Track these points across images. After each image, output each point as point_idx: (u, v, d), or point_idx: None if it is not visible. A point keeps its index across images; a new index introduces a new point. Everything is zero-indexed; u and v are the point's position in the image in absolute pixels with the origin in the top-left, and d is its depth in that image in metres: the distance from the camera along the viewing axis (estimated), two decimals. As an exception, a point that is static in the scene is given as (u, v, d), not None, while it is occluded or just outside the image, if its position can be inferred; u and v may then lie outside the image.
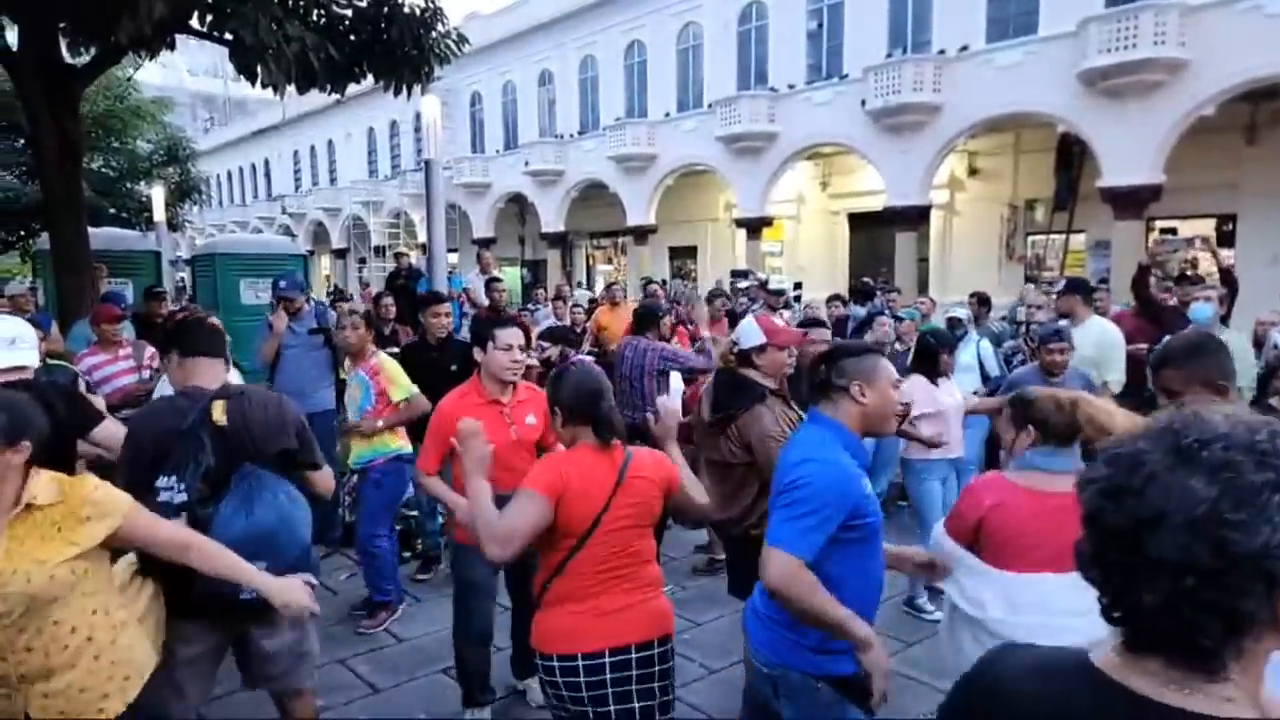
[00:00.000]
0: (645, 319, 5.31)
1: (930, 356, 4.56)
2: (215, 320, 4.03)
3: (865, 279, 9.55)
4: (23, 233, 15.19)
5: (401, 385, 4.38)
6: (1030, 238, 18.83)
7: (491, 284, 7.92)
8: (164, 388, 3.74)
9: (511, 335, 3.19)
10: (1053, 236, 17.73)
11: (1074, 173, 16.68)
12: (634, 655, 2.20)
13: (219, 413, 2.45)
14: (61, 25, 6.97)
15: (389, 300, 7.41)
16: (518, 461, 2.97)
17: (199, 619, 2.44)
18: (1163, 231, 15.49)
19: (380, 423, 4.33)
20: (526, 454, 3.14)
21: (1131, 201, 14.75)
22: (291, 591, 2.28)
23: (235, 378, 4.55)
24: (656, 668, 2.25)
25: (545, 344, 6.78)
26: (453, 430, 2.41)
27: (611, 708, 2.16)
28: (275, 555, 2.40)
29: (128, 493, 2.20)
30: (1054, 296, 6.28)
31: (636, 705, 2.19)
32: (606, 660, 2.16)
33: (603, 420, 2.26)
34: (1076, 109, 15.10)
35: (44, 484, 1.91)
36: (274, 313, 5.62)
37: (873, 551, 2.13)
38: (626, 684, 2.18)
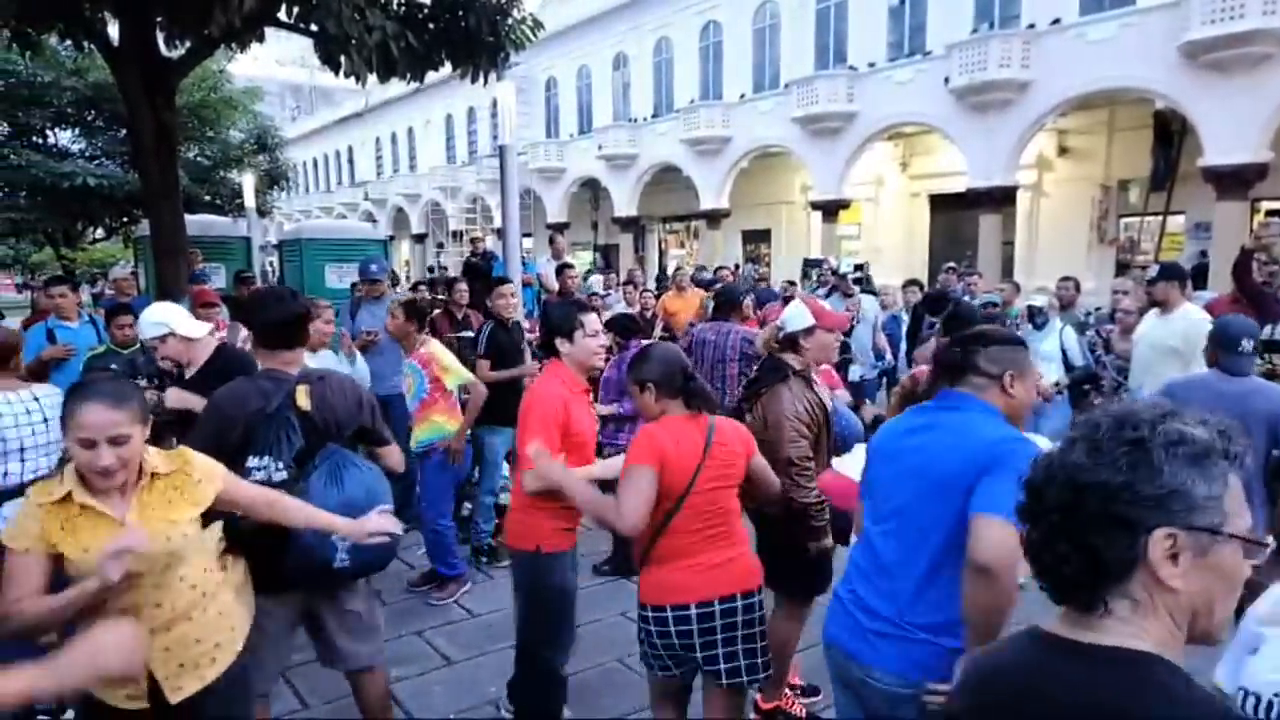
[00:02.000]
0: (726, 302, 5.19)
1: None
2: (321, 307, 4.27)
3: (946, 271, 8.86)
4: (125, 219, 16.06)
5: (455, 373, 4.40)
6: (1123, 220, 17.96)
7: (562, 270, 8.00)
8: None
9: (597, 321, 3.19)
10: (1148, 219, 16.86)
11: (1173, 151, 15.79)
12: (739, 603, 2.46)
13: (303, 398, 2.60)
14: (158, 20, 7.29)
15: (463, 286, 7.57)
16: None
17: (284, 592, 2.58)
18: (1269, 213, 14.52)
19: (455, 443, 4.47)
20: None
21: (1236, 181, 13.89)
22: (368, 523, 2.40)
23: (329, 359, 4.76)
24: (756, 614, 2.51)
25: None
26: (557, 415, 2.86)
27: (718, 650, 2.45)
28: None
29: None
30: (1143, 283, 5.96)
31: (740, 648, 2.47)
32: (716, 608, 2.43)
33: (694, 392, 2.53)
34: (1176, 84, 14.28)
35: (156, 455, 2.08)
36: (357, 294, 5.81)
37: None
38: (732, 630, 2.46)
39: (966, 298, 6.52)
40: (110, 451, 1.86)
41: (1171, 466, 0.93)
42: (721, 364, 4.87)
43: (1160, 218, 16.31)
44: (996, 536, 1.75)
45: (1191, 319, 4.78)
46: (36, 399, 3.07)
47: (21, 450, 3.03)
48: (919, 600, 1.96)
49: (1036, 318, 5.86)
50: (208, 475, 2.14)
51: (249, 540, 2.38)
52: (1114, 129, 17.66)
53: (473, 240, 11.21)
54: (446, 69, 8.09)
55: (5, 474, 3.12)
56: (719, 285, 7.52)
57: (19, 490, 3.00)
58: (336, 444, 2.67)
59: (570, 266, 8.26)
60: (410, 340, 4.51)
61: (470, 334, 5.81)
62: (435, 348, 4.49)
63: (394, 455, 2.95)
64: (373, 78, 7.40)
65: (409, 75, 7.71)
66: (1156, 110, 15.67)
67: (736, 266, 11.18)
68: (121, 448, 1.88)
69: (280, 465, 2.51)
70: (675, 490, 2.41)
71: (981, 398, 2.01)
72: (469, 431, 4.60)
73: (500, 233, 7.45)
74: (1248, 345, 3.46)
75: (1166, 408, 0.99)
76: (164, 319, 3.44)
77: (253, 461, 2.51)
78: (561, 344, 3.03)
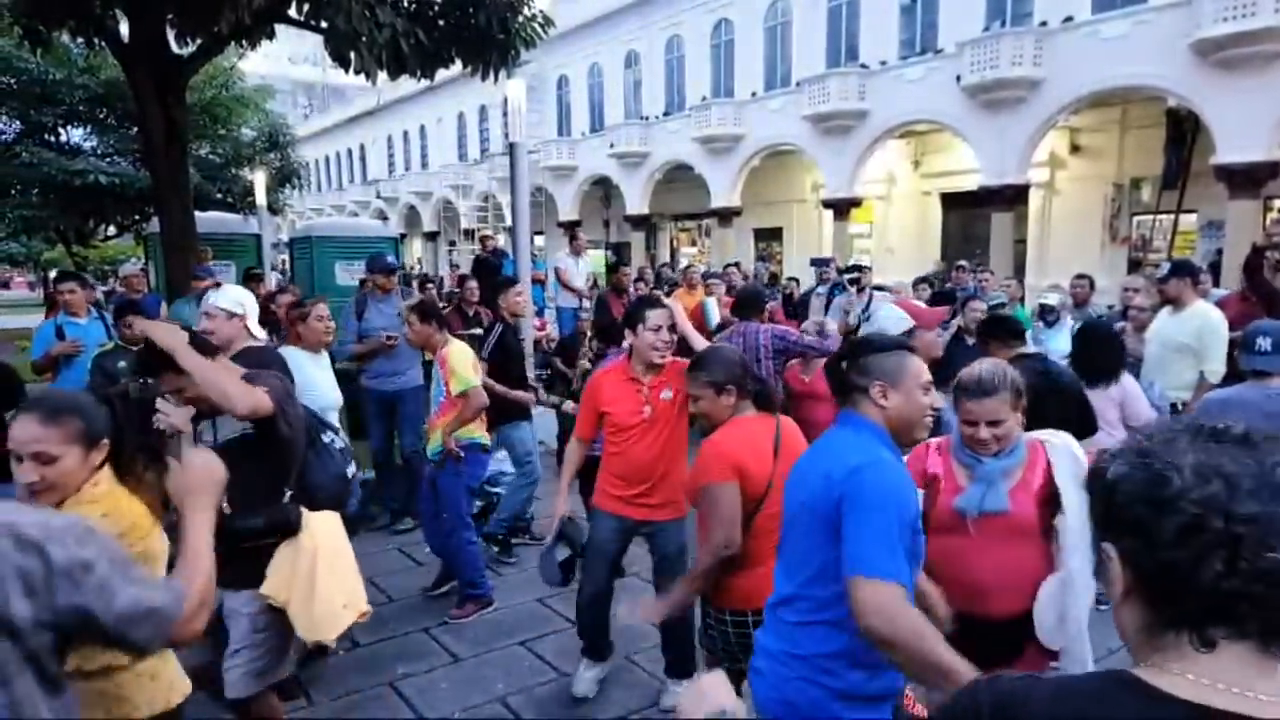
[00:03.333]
0: (748, 302, 5.05)
1: (1087, 360, 4.07)
2: (319, 308, 4.25)
3: (957, 269, 8.85)
4: (136, 217, 16.14)
5: (460, 378, 4.19)
6: (1136, 218, 17.82)
7: (617, 267, 8.11)
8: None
9: (661, 317, 3.24)
10: (1160, 217, 16.72)
11: (1185, 149, 15.67)
12: None
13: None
14: (169, 17, 7.31)
15: (473, 284, 7.57)
16: (651, 434, 3.28)
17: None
18: (1284, 211, 14.43)
19: (450, 441, 4.25)
20: (665, 425, 3.30)
21: (1248, 179, 13.76)
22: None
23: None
24: None
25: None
26: (600, 399, 3.30)
27: None
28: None
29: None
30: (1155, 281, 5.91)
31: None
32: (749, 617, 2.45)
33: (764, 392, 2.61)
34: (1189, 82, 14.15)
35: (93, 498, 1.88)
36: (364, 290, 5.78)
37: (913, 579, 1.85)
38: None
39: (977, 295, 6.47)
40: (32, 467, 1.77)
41: None
42: (756, 364, 4.80)
43: (1172, 216, 16.18)
44: (877, 604, 1.62)
45: (1204, 316, 4.74)
46: None
47: None
48: (799, 631, 1.86)
49: (1048, 315, 5.82)
50: (134, 528, 1.90)
51: (253, 538, 2.50)
52: (1126, 127, 17.52)
53: (483, 238, 11.22)
54: (457, 67, 8.08)
55: None
56: (751, 284, 7.53)
57: None
58: None
59: (625, 264, 8.35)
60: (433, 342, 4.37)
61: (480, 331, 5.80)
62: (451, 351, 4.30)
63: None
64: (383, 75, 7.41)
65: (419, 72, 7.71)
66: (1169, 108, 15.54)
67: (737, 264, 11.10)
68: (47, 467, 1.78)
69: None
70: (754, 493, 2.45)
71: (862, 413, 1.89)
72: (486, 439, 4.55)
73: (512, 231, 7.46)
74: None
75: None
76: (243, 302, 3.47)
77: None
78: (629, 335, 3.29)
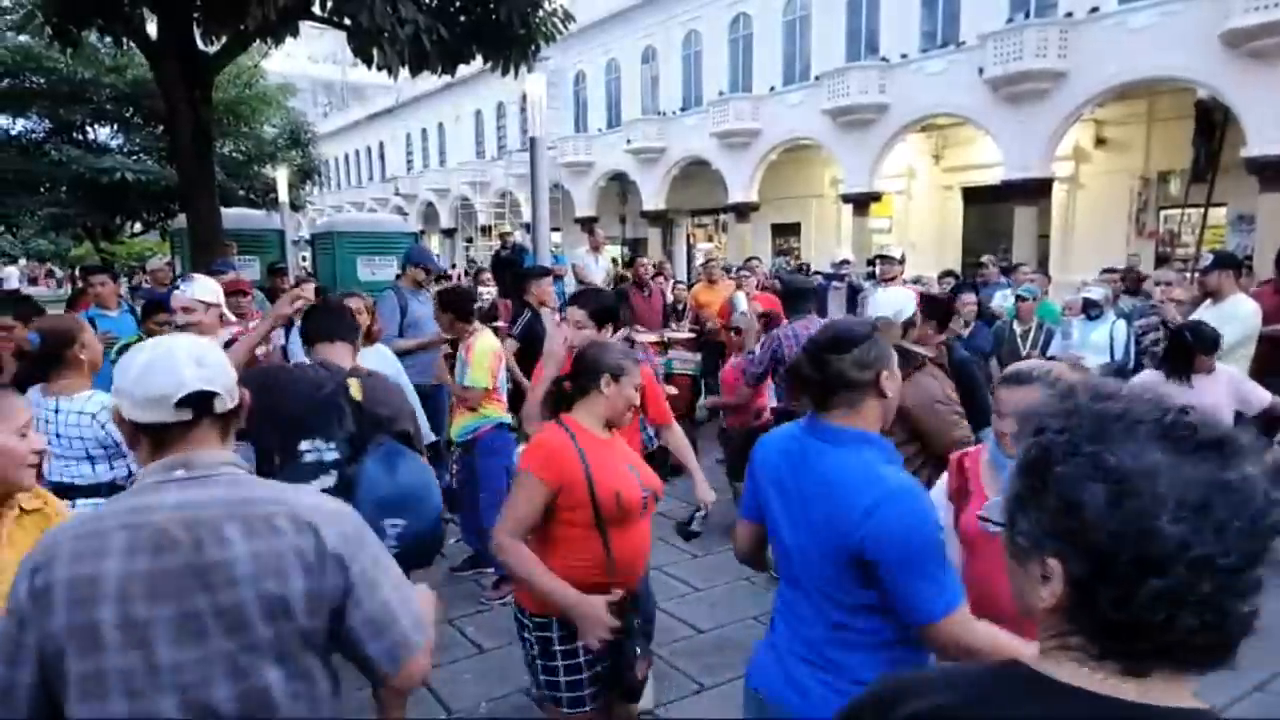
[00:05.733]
0: (799, 294, 4.69)
1: (1184, 354, 3.93)
2: (349, 302, 4.26)
3: (984, 264, 8.78)
4: (162, 214, 16.34)
5: (474, 373, 4.27)
6: (1163, 212, 17.58)
7: (634, 261, 8.14)
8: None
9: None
10: (1189, 210, 16.47)
11: (1215, 142, 15.41)
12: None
13: (356, 389, 2.63)
14: (195, 15, 7.40)
15: (488, 276, 7.60)
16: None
17: None
18: (1317, 204, 14.14)
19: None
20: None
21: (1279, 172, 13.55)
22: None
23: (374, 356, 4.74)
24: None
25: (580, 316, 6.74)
26: None
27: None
28: (418, 515, 2.56)
29: (244, 439, 2.35)
30: (1193, 273, 5.83)
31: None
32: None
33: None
34: (1218, 73, 13.91)
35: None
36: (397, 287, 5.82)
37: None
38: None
39: (1008, 290, 6.43)
40: None
41: None
42: None
43: (1201, 210, 15.93)
44: (944, 639, 1.59)
45: (1244, 309, 4.68)
46: (58, 410, 2.90)
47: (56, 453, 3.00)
48: (829, 644, 1.74)
49: (1091, 309, 5.77)
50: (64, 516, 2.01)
51: None
52: (1153, 119, 17.28)
53: (502, 235, 11.28)
54: (477, 62, 8.12)
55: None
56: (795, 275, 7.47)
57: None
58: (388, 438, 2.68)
59: (644, 258, 8.39)
60: (460, 331, 4.44)
61: (499, 325, 5.83)
62: (478, 342, 4.37)
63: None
64: (404, 72, 7.46)
65: (440, 68, 7.76)
66: (1198, 100, 15.30)
67: (757, 259, 11.07)
68: None
69: (331, 445, 2.54)
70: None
71: (855, 422, 1.72)
72: (509, 418, 4.57)
73: (529, 227, 7.48)
74: None
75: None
76: (216, 291, 3.59)
77: (304, 445, 2.53)
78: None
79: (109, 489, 2.91)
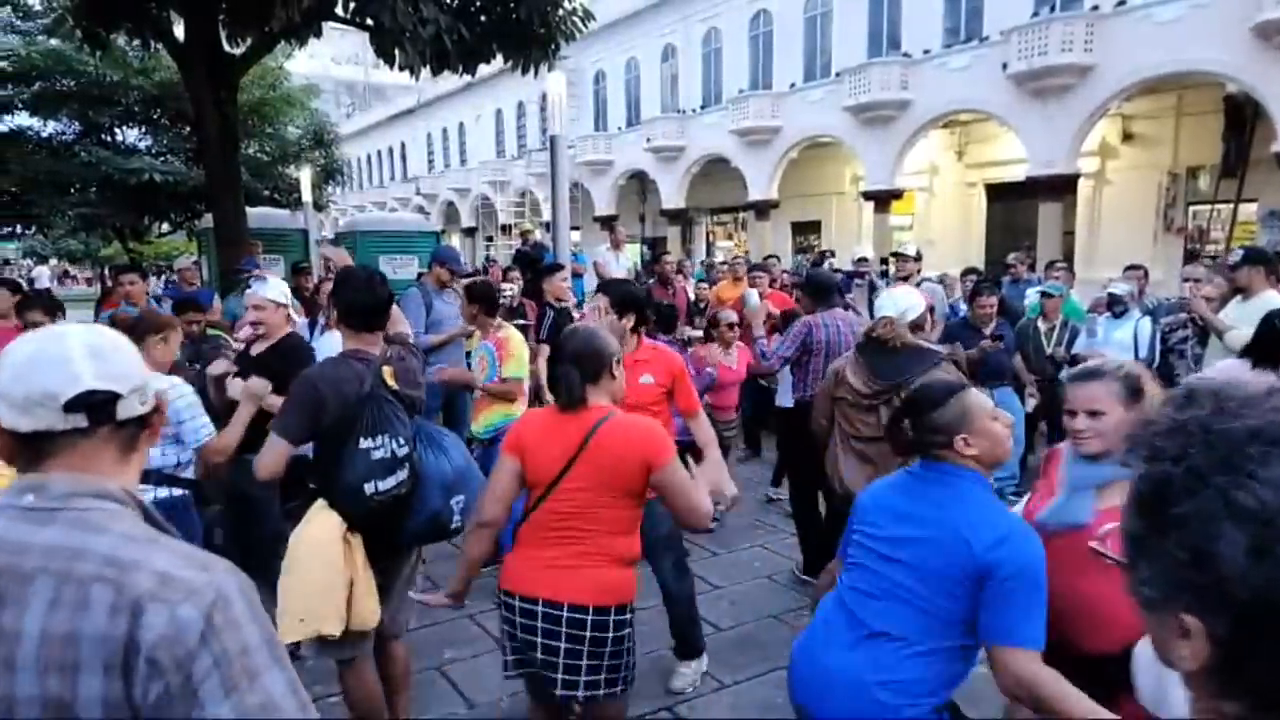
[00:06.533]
0: (823, 288, 4.56)
1: (1275, 344, 3.49)
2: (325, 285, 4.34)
3: (1013, 262, 8.67)
4: (188, 214, 16.56)
5: (514, 363, 4.35)
6: (1191, 208, 17.30)
7: (657, 259, 8.17)
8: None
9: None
10: (1218, 206, 16.22)
11: (1245, 136, 15.16)
12: (539, 609, 2.24)
13: (390, 377, 2.71)
14: (221, 17, 7.49)
15: (515, 274, 7.64)
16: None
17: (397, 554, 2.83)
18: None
19: (478, 390, 4.48)
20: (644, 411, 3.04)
21: (1314, 166, 13.31)
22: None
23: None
24: (560, 627, 2.24)
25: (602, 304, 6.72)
26: None
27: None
28: (468, 489, 2.76)
29: (284, 439, 2.56)
30: (1223, 270, 5.74)
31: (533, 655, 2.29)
32: (516, 603, 2.28)
33: (571, 397, 2.30)
34: (1249, 66, 13.67)
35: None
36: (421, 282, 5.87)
37: None
38: (527, 631, 2.27)
39: (1038, 286, 6.35)
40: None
41: None
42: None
43: (1231, 205, 15.68)
44: (1018, 670, 1.73)
45: (1275, 305, 4.59)
46: None
47: None
48: (901, 666, 1.87)
49: (1116, 306, 5.70)
50: None
51: (379, 511, 2.59)
52: (1182, 114, 17.00)
53: (523, 233, 11.32)
54: (498, 62, 8.16)
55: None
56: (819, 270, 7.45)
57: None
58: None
59: (667, 254, 8.43)
60: (484, 324, 4.53)
61: (524, 322, 5.86)
62: (511, 334, 4.47)
63: None
64: (425, 71, 7.50)
65: (461, 68, 7.81)
66: (1227, 94, 15.05)
67: (776, 257, 11.01)
68: None
69: (401, 441, 2.61)
70: (535, 483, 2.30)
71: (957, 465, 1.93)
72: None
73: (549, 225, 7.51)
74: None
75: None
76: (286, 293, 3.76)
77: (366, 443, 2.55)
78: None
79: (157, 477, 2.99)
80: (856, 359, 3.31)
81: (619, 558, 2.30)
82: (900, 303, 3.26)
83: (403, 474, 2.61)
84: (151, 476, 2.98)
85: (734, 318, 5.59)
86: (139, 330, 3.14)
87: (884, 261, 11.22)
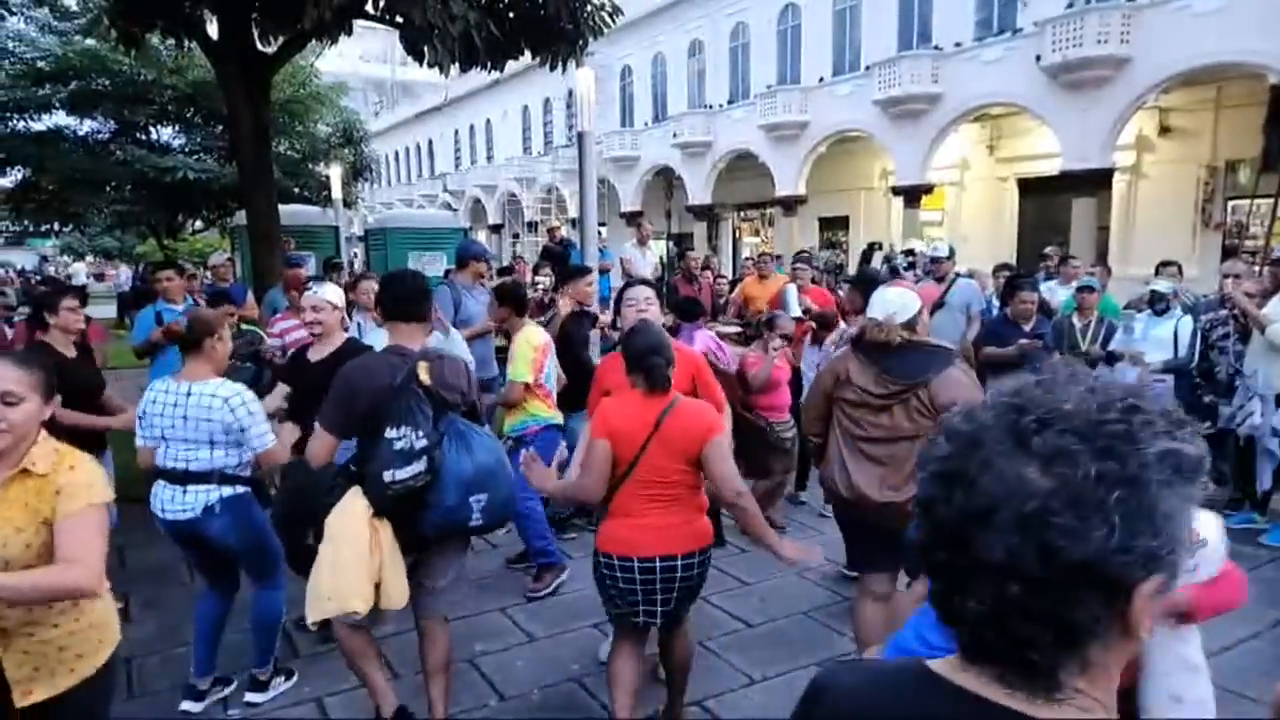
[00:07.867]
0: (875, 286, 4.68)
1: None
2: (363, 284, 4.37)
3: (1047, 257, 8.52)
4: (221, 211, 16.81)
5: (515, 365, 4.40)
6: (1231, 203, 16.91)
7: (683, 255, 8.11)
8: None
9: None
10: (1259, 201, 15.81)
11: (1288, 129, 14.77)
12: (657, 564, 2.75)
13: (424, 373, 2.78)
14: (254, 15, 7.57)
15: (546, 270, 7.65)
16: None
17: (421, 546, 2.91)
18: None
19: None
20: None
21: (1360, 159, 12.93)
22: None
23: (438, 339, 4.86)
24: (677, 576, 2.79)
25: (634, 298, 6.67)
26: (605, 381, 3.54)
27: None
28: (496, 488, 2.84)
29: (326, 430, 2.72)
30: (1264, 266, 5.61)
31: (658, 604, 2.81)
32: (635, 564, 2.76)
33: (656, 375, 2.79)
34: (1293, 57, 13.34)
35: (44, 453, 1.98)
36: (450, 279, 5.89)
37: None
38: (647, 585, 2.78)
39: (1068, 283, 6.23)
40: None
41: (1169, 504, 0.67)
42: None
43: (1272, 200, 15.29)
44: None
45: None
46: (189, 393, 3.08)
47: (164, 438, 3.16)
48: None
49: (1158, 304, 5.60)
50: (69, 494, 1.94)
51: (397, 499, 2.67)
52: (1221, 106, 16.61)
53: (550, 230, 11.34)
54: (526, 58, 8.16)
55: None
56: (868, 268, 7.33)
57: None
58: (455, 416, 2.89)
59: (692, 250, 8.33)
60: (516, 326, 4.55)
61: (545, 320, 5.85)
62: (522, 336, 4.47)
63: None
64: (454, 68, 7.53)
65: (490, 64, 7.82)
66: (1271, 85, 14.67)
67: (808, 252, 10.90)
68: (11, 409, 1.90)
69: (420, 434, 2.69)
70: (624, 458, 2.77)
71: None
72: (559, 419, 4.63)
73: (575, 222, 7.51)
74: None
75: (1132, 400, 0.70)
76: (342, 299, 3.91)
77: (391, 433, 2.67)
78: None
79: (219, 476, 3.13)
80: (861, 360, 3.24)
81: (700, 507, 2.89)
82: (889, 305, 3.19)
83: (419, 466, 2.68)
84: (215, 476, 3.12)
85: (790, 327, 5.46)
86: (197, 335, 3.15)
87: (909, 253, 11.08)
